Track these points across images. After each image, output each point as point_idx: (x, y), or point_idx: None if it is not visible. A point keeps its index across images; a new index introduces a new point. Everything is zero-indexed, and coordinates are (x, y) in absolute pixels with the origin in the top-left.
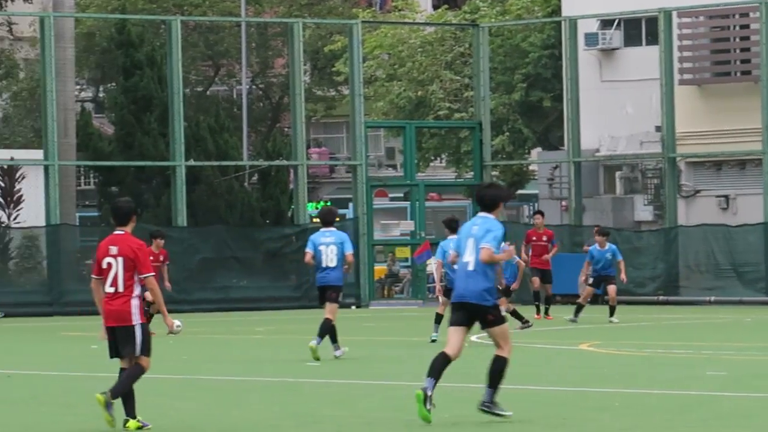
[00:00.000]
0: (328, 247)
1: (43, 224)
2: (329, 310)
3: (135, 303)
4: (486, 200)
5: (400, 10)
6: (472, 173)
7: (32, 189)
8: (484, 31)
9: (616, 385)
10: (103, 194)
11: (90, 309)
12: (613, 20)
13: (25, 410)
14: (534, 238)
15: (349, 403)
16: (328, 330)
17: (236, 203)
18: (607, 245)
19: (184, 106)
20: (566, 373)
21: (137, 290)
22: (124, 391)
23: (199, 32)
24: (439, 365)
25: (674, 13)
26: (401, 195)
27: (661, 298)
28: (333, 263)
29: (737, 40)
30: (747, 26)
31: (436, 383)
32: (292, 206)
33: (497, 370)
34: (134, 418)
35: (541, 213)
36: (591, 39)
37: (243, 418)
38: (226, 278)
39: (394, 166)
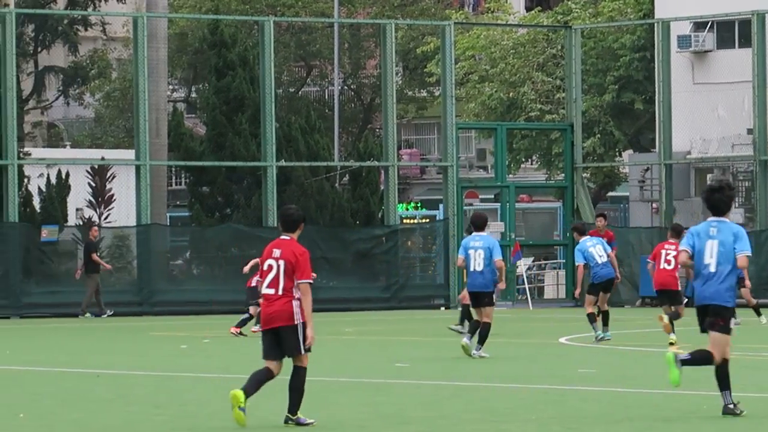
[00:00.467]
0: (476, 251)
1: (134, 224)
2: (485, 314)
3: (296, 303)
4: (721, 204)
5: (492, 12)
6: (562, 175)
7: (123, 189)
8: (577, 33)
9: (705, 387)
10: (194, 194)
11: (179, 309)
12: (706, 22)
13: (112, 410)
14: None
15: (438, 404)
16: (486, 333)
17: (327, 204)
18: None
19: (276, 106)
20: (655, 375)
21: (297, 294)
22: (256, 389)
23: (292, 33)
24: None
25: (767, 16)
26: (492, 196)
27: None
28: (480, 267)
29: None
30: None
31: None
32: (383, 207)
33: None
34: (296, 415)
35: (604, 215)
36: (683, 41)
37: (330, 418)
38: (316, 278)
39: (484, 168)
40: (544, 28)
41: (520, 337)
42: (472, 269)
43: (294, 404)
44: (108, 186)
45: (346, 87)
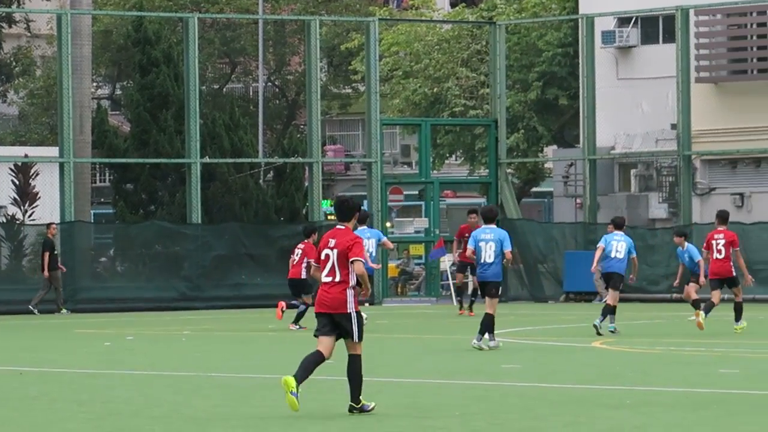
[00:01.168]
0: (487, 243)
1: (58, 221)
2: (490, 305)
3: (351, 293)
4: None
5: (417, 8)
6: (486, 171)
7: (47, 186)
8: (501, 29)
9: (628, 382)
10: (118, 191)
11: (104, 306)
12: (630, 18)
13: (36, 408)
14: (467, 235)
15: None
16: (489, 323)
17: (251, 200)
18: (686, 245)
19: (200, 103)
20: (579, 370)
21: (352, 281)
22: (307, 374)
23: (216, 29)
24: None
25: (691, 11)
26: (416, 192)
27: (674, 296)
28: (491, 259)
29: (754, 38)
30: (764, 24)
31: None
32: (307, 203)
33: None
34: (358, 403)
35: (475, 211)
36: (608, 37)
37: (256, 415)
38: (240, 275)
39: (409, 164)
40: (469, 23)
41: (445, 332)
42: (482, 260)
43: (355, 392)
44: (32, 183)
45: (270, 83)
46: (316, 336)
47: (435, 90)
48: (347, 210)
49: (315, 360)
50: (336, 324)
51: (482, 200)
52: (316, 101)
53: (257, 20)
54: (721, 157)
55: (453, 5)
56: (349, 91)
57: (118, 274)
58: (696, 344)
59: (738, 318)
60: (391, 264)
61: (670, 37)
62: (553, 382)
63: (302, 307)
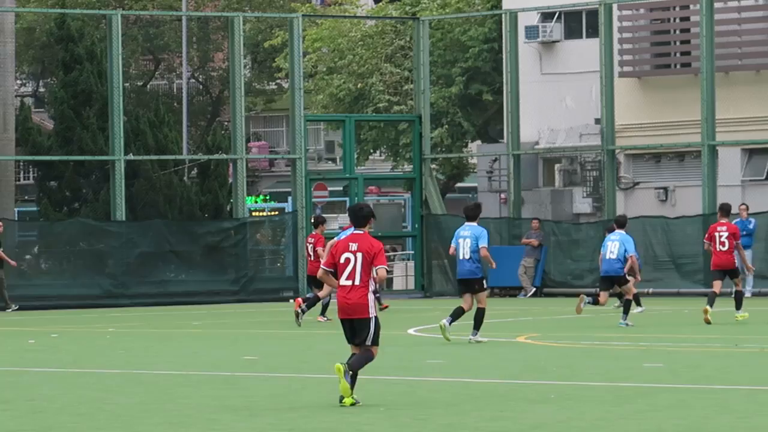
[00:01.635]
0: (465, 240)
1: None
2: (479, 300)
3: (371, 297)
4: None
5: (340, 4)
6: (411, 166)
7: None
8: (425, 25)
9: (553, 377)
10: (42, 189)
11: (29, 304)
12: (554, 13)
13: None
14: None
15: (288, 397)
16: (482, 318)
17: (175, 197)
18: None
19: (124, 100)
20: (504, 365)
21: (372, 285)
22: (358, 369)
23: (140, 26)
24: None
25: (614, 6)
26: (341, 188)
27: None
28: (467, 256)
29: (677, 32)
30: (687, 18)
31: None
32: (231, 200)
33: None
34: (350, 396)
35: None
36: (531, 32)
37: (179, 412)
38: (165, 272)
39: (333, 160)
40: (393, 19)
41: None
42: (461, 257)
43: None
44: None
45: (194, 80)
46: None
47: (359, 86)
48: (363, 218)
49: (366, 354)
50: (354, 328)
51: (407, 196)
52: (240, 98)
53: (181, 17)
54: (645, 152)
55: (376, 1)
56: (273, 87)
57: (42, 272)
58: (621, 338)
59: (738, 307)
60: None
61: (593, 32)
62: (477, 377)
63: (311, 295)
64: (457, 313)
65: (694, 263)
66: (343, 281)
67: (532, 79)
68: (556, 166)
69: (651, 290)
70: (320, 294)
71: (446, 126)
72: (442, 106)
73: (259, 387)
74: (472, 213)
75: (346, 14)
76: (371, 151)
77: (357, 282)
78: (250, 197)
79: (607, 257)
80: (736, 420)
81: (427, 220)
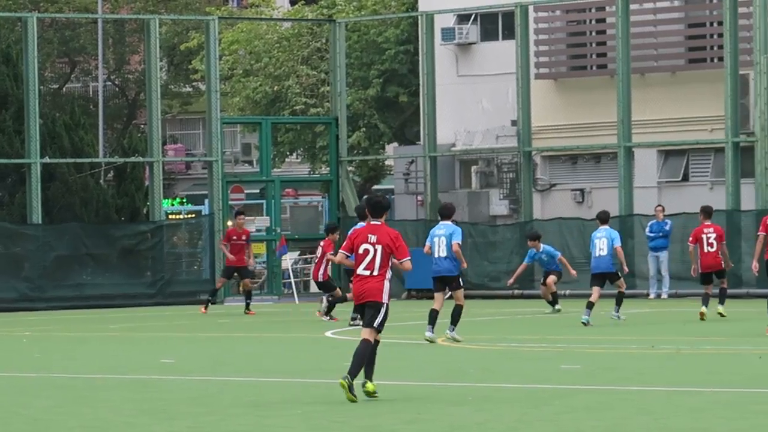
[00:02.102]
0: (440, 238)
1: None
2: (456, 297)
3: (386, 285)
4: None
5: (256, 6)
6: (327, 169)
7: None
8: (341, 27)
9: (470, 379)
10: None
11: None
12: (470, 15)
13: None
14: (234, 237)
15: (205, 400)
16: (459, 314)
17: (91, 200)
18: (542, 247)
19: (40, 103)
20: (421, 367)
21: (389, 274)
22: (361, 366)
23: (55, 29)
24: None
25: (531, 8)
26: (257, 191)
27: (516, 292)
28: (444, 253)
29: (593, 34)
30: (603, 20)
31: None
32: (148, 203)
33: None
34: (371, 381)
35: (243, 213)
36: (447, 34)
37: (96, 416)
38: (81, 275)
39: (250, 162)
40: (309, 21)
41: (286, 331)
42: (436, 255)
43: (369, 371)
44: None
45: (110, 83)
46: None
47: (275, 88)
48: (381, 209)
49: (365, 350)
50: (365, 309)
51: (323, 198)
52: (157, 100)
53: (96, 19)
54: (562, 153)
55: (293, 3)
56: (190, 89)
57: None
58: (538, 340)
59: (722, 301)
60: None
61: (509, 34)
62: (394, 379)
63: (329, 298)
64: (434, 317)
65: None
66: (360, 270)
67: (449, 81)
68: (473, 168)
69: (568, 292)
70: (337, 294)
71: (363, 128)
72: (358, 109)
73: (177, 390)
74: (447, 212)
75: (262, 17)
76: (288, 153)
77: (375, 273)
78: (166, 200)
79: (597, 255)
80: (652, 421)
81: (344, 222)
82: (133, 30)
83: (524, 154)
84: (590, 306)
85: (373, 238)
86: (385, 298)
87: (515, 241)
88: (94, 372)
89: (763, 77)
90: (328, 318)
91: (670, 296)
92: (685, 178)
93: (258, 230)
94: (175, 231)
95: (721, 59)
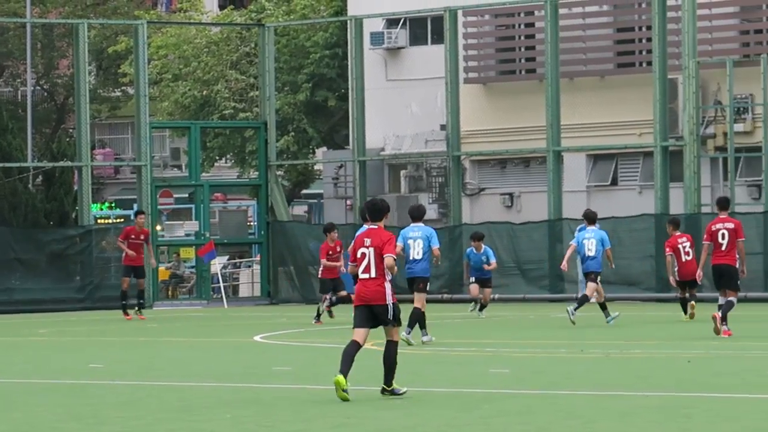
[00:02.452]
0: (415, 241)
1: None
2: (418, 300)
3: (388, 286)
4: None
5: (185, 11)
6: (257, 173)
7: None
8: (270, 31)
9: (399, 383)
10: None
11: None
12: (399, 19)
13: None
14: (132, 236)
15: (133, 404)
16: (417, 318)
17: (20, 205)
18: (483, 248)
19: None
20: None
21: (388, 276)
22: (350, 365)
23: None
24: None
25: (460, 12)
26: (186, 195)
27: (445, 296)
28: (419, 256)
29: (522, 38)
30: (532, 25)
31: None
32: (77, 207)
33: None
34: (390, 386)
35: (143, 212)
36: (376, 38)
37: (25, 421)
38: (10, 280)
39: (179, 167)
40: (238, 26)
41: (215, 335)
42: (411, 257)
43: (388, 376)
44: None
45: (39, 87)
46: (354, 327)
47: (204, 93)
48: (377, 212)
49: (354, 350)
50: (374, 315)
51: (252, 203)
52: (85, 105)
53: (25, 24)
54: (491, 158)
55: (222, 7)
56: (119, 94)
57: None
58: (467, 344)
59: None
60: (162, 267)
61: (438, 38)
62: (323, 383)
63: (333, 299)
64: (422, 320)
65: (540, 269)
66: (361, 275)
67: (378, 86)
68: (402, 172)
69: (497, 296)
70: (342, 294)
71: (292, 132)
72: (287, 113)
73: (105, 395)
74: (419, 213)
75: (191, 21)
76: (217, 158)
77: (373, 275)
78: (95, 204)
79: (586, 254)
80: (581, 425)
81: (273, 226)
82: (62, 34)
83: (453, 158)
84: (581, 302)
85: (368, 242)
86: (388, 300)
87: (444, 244)
88: (23, 377)
89: (692, 81)
90: (328, 309)
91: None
92: (614, 182)
93: (187, 235)
94: (103, 236)
95: (649, 63)
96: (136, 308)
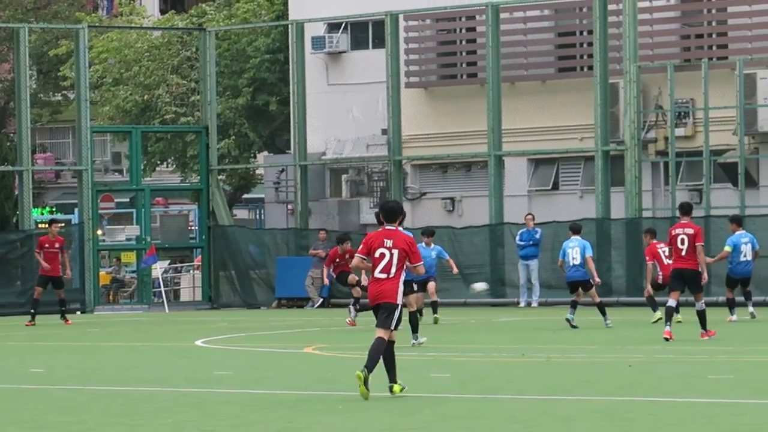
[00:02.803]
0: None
1: None
2: (410, 302)
3: (401, 287)
4: None
5: (126, 15)
6: (198, 177)
7: None
8: (211, 35)
9: (340, 388)
10: None
11: None
12: (340, 24)
13: None
14: (47, 245)
15: (75, 409)
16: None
17: None
18: (432, 245)
19: None
20: (291, 376)
21: (403, 276)
22: (377, 362)
23: None
24: None
25: (401, 17)
26: (127, 200)
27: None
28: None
29: (463, 42)
30: (473, 29)
31: None
32: (18, 212)
33: None
34: (396, 383)
35: (56, 221)
36: (318, 42)
37: None
38: None
39: (120, 171)
40: (179, 30)
41: (157, 340)
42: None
43: (392, 374)
44: None
45: None
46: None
47: (146, 97)
48: (394, 214)
49: (380, 346)
50: (381, 310)
51: (194, 207)
52: (26, 109)
53: None
54: (432, 162)
55: (163, 12)
56: (59, 98)
57: None
58: (407, 348)
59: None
60: (102, 272)
61: (380, 43)
62: (265, 388)
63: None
64: (413, 321)
65: (481, 273)
66: (377, 274)
67: (319, 90)
68: (343, 176)
69: (439, 300)
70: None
71: (233, 137)
72: (229, 117)
73: (46, 399)
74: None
75: (132, 25)
76: (158, 162)
77: (392, 275)
78: (36, 209)
79: (571, 264)
80: (523, 429)
81: (214, 231)
82: (2, 38)
83: (394, 162)
84: (574, 305)
85: (389, 243)
86: (399, 300)
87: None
88: None
89: (633, 86)
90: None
91: (541, 304)
92: (555, 186)
93: (128, 239)
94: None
95: (591, 68)
96: (60, 315)
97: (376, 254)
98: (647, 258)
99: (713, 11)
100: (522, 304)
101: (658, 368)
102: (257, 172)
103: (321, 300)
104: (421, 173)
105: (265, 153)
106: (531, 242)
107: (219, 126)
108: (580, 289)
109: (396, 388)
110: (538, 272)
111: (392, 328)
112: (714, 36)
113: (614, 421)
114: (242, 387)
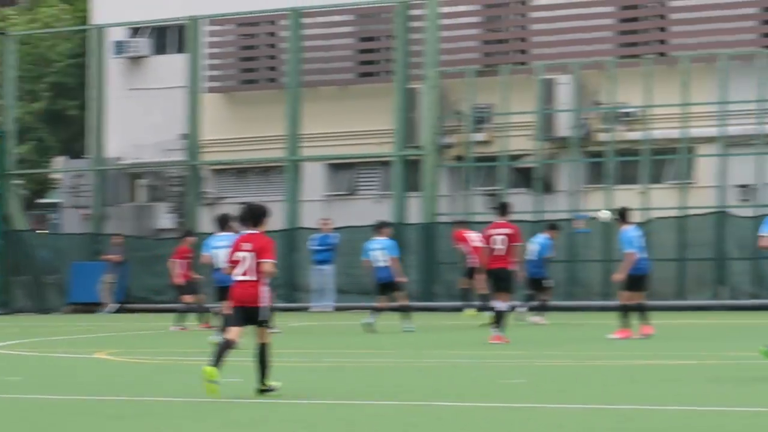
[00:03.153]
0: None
1: None
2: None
3: (262, 288)
4: None
5: None
6: None
7: None
8: (12, 40)
9: (132, 393)
10: None
11: None
12: (144, 28)
13: None
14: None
15: None
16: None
17: None
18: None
19: None
20: (82, 381)
21: (264, 280)
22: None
23: None
24: None
25: (204, 21)
26: None
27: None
28: (382, 264)
29: (265, 47)
30: (274, 34)
31: None
32: None
33: None
34: (265, 385)
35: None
36: (119, 47)
37: None
38: None
39: None
40: None
41: None
42: (381, 265)
43: (263, 375)
44: None
45: None
46: (226, 326)
47: None
48: (254, 216)
49: (227, 347)
50: (248, 315)
51: None
52: None
53: None
54: (230, 167)
55: None
56: None
57: None
58: (198, 353)
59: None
60: None
61: (183, 47)
62: (55, 393)
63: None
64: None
65: (275, 278)
66: (239, 276)
67: (120, 95)
68: (141, 181)
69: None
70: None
71: (31, 141)
72: (27, 122)
73: None
74: (226, 222)
75: None
76: None
77: (253, 276)
78: None
79: (378, 265)
80: None
81: (9, 236)
82: None
83: (192, 167)
84: (376, 310)
85: (248, 246)
86: (261, 302)
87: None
88: None
89: (433, 91)
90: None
91: (337, 309)
92: (352, 191)
93: None
94: None
95: (392, 73)
96: None
97: (235, 258)
98: (459, 245)
99: (513, 17)
100: (316, 309)
101: (449, 372)
102: (55, 176)
103: (115, 305)
104: (219, 178)
105: (64, 157)
106: (326, 247)
107: (17, 130)
108: (389, 292)
109: (269, 384)
110: (332, 277)
111: (265, 325)
112: (515, 42)
113: (399, 426)
114: (32, 393)
